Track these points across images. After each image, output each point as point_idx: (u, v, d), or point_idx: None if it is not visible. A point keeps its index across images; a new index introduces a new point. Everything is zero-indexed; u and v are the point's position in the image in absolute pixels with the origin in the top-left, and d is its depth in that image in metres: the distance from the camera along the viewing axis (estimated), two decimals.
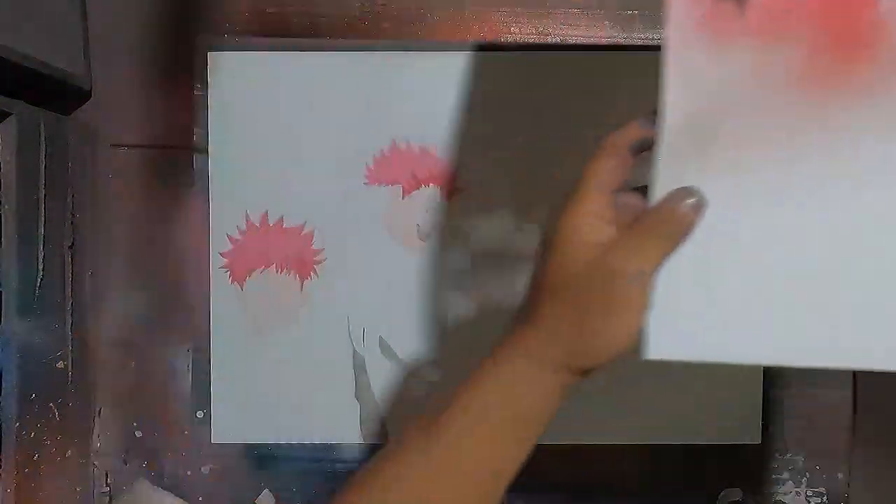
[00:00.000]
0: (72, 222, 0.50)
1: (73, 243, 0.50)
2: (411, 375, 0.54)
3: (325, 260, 0.53)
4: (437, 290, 0.53)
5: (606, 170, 0.31)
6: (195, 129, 0.53)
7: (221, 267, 0.53)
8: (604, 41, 0.54)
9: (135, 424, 0.54)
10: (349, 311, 0.54)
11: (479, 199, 0.53)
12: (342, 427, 0.54)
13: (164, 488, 0.54)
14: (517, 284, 0.53)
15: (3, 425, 0.45)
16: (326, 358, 0.53)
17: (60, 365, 0.50)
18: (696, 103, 0.31)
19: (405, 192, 0.53)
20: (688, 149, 0.31)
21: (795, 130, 0.31)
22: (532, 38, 0.54)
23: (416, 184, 0.53)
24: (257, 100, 0.53)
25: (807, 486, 0.55)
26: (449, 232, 0.53)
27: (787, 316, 0.32)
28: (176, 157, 0.54)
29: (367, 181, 0.53)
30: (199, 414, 0.54)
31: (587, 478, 0.55)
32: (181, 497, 0.53)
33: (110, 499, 0.53)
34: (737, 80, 0.31)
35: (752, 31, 0.30)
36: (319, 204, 0.53)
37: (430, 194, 0.53)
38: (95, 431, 0.54)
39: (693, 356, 0.32)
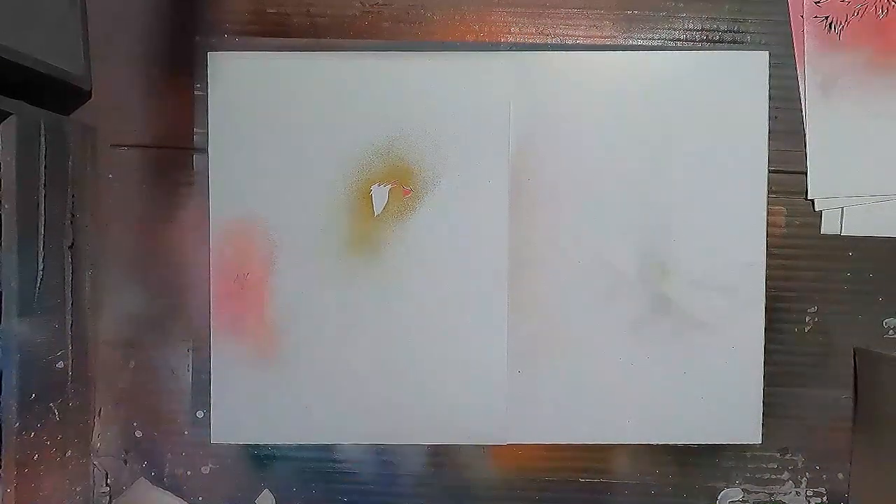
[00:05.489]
0: (72, 222, 0.50)
1: (73, 243, 0.50)
2: None
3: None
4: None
5: None
6: (195, 129, 0.53)
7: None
8: (604, 41, 0.54)
9: (135, 424, 0.54)
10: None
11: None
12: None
13: (164, 488, 0.54)
14: None
15: (3, 425, 0.45)
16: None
17: (60, 365, 0.50)
18: None
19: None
20: None
21: None
22: (532, 38, 0.54)
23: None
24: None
25: (807, 486, 0.55)
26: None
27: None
28: (176, 157, 0.54)
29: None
30: (199, 414, 0.54)
31: (587, 477, 0.55)
32: (181, 497, 0.53)
33: (110, 499, 0.53)
34: None
35: None
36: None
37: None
38: (95, 431, 0.54)
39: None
